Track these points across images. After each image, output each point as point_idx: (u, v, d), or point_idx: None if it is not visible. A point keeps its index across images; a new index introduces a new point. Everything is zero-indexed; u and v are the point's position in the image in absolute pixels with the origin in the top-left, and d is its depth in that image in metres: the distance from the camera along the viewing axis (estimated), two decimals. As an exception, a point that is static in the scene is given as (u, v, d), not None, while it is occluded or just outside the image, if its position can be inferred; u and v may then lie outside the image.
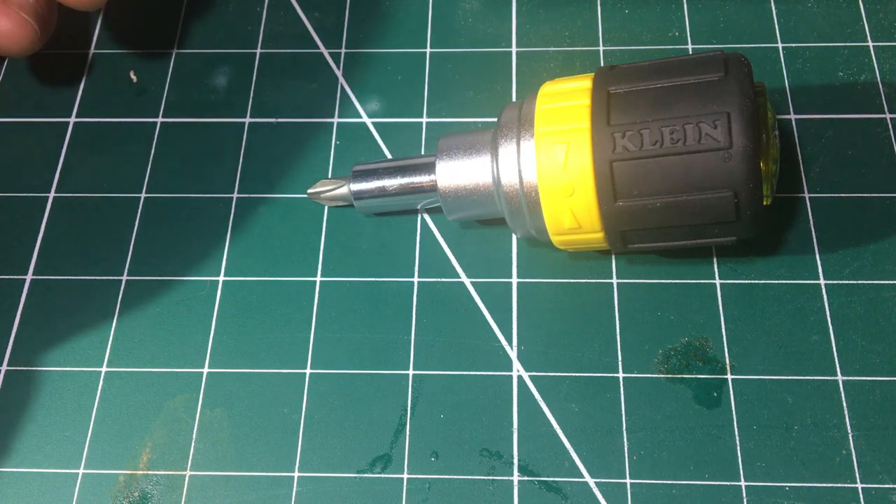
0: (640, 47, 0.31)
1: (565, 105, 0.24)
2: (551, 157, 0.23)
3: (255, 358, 0.27)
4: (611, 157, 0.23)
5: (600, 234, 0.24)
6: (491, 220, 0.28)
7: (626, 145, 0.23)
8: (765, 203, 0.24)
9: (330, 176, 0.30)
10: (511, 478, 0.25)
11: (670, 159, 0.23)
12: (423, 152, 0.30)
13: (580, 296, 0.27)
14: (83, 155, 0.31)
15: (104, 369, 0.27)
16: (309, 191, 0.29)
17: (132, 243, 0.29)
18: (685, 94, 0.23)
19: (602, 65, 0.31)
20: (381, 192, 0.27)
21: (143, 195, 0.30)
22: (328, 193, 0.28)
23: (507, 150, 0.25)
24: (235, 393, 0.26)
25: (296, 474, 0.25)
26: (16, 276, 0.29)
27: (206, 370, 0.27)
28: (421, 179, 0.27)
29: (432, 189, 0.27)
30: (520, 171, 0.24)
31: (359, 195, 0.28)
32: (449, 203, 0.26)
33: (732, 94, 0.22)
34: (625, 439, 0.25)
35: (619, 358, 0.26)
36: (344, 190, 0.28)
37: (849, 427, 0.25)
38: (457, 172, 0.26)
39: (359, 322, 0.27)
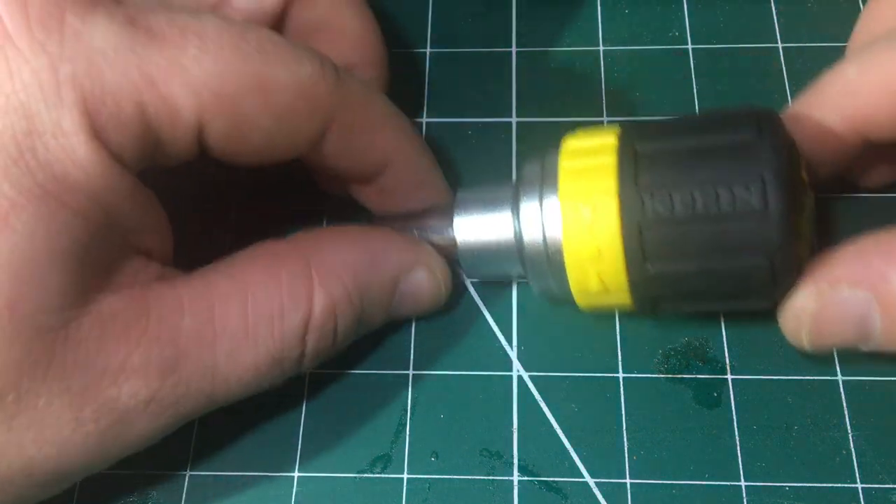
0: (640, 47, 0.31)
1: (590, 163, 0.23)
2: (577, 219, 0.22)
3: (255, 358, 0.27)
4: (640, 220, 0.22)
5: (627, 298, 0.23)
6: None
7: (655, 208, 0.22)
8: (803, 264, 0.23)
9: None
10: (511, 478, 0.25)
11: (703, 224, 0.21)
12: (423, 152, 0.30)
13: (580, 296, 0.27)
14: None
15: (104, 369, 0.27)
16: None
17: (132, 243, 0.29)
18: (717, 156, 0.22)
19: (604, 59, 0.31)
20: None
21: (143, 195, 0.30)
22: None
23: (529, 210, 0.23)
24: (235, 393, 0.26)
25: (296, 474, 0.25)
26: (16, 276, 0.28)
27: (206, 370, 0.27)
28: (438, 235, 0.26)
29: (450, 245, 0.25)
30: (543, 233, 0.23)
31: None
32: (468, 261, 0.25)
33: (766, 156, 0.21)
34: (625, 439, 0.25)
35: (619, 358, 0.26)
36: None
37: (849, 427, 0.25)
38: (476, 229, 0.25)
39: (359, 322, 0.27)
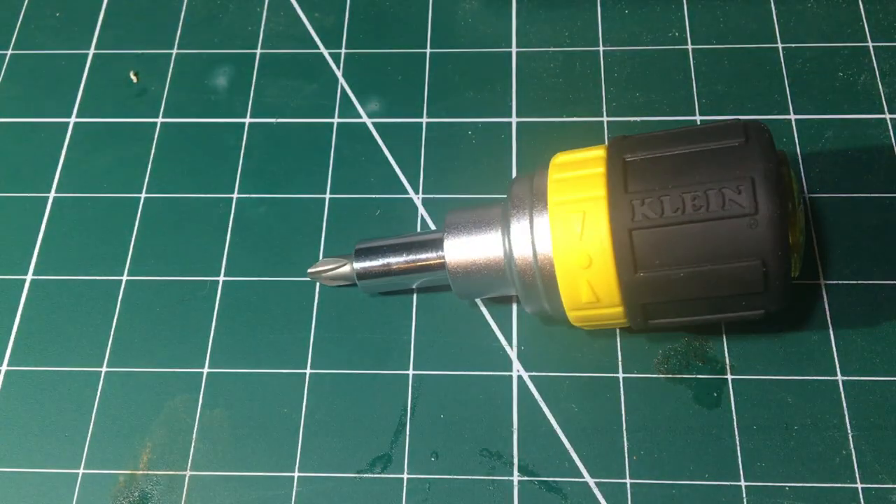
0: (640, 47, 0.31)
1: (579, 174, 0.23)
2: (567, 227, 0.22)
3: (255, 358, 0.27)
4: (630, 226, 0.22)
5: (620, 309, 0.23)
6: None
7: (645, 213, 0.21)
8: (792, 274, 0.23)
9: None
10: (511, 478, 0.25)
11: (693, 227, 0.21)
12: (422, 153, 0.30)
13: (580, 296, 0.27)
14: (83, 155, 0.31)
15: (104, 369, 0.27)
16: (309, 270, 0.27)
17: (132, 243, 0.29)
18: (705, 160, 0.22)
19: (604, 59, 0.31)
20: (386, 271, 0.26)
21: (143, 195, 0.30)
22: (330, 273, 0.27)
23: (519, 222, 0.23)
24: (235, 393, 0.26)
25: (296, 474, 0.25)
26: (16, 276, 0.29)
27: (206, 370, 0.27)
28: (428, 257, 0.26)
29: (440, 267, 0.25)
30: (533, 244, 0.23)
31: (362, 274, 0.26)
32: (458, 281, 0.25)
33: (755, 158, 0.21)
34: (625, 439, 0.25)
35: (619, 358, 0.26)
36: (347, 269, 0.27)
37: (849, 427, 0.25)
38: (466, 249, 0.24)
39: (359, 322, 0.27)
